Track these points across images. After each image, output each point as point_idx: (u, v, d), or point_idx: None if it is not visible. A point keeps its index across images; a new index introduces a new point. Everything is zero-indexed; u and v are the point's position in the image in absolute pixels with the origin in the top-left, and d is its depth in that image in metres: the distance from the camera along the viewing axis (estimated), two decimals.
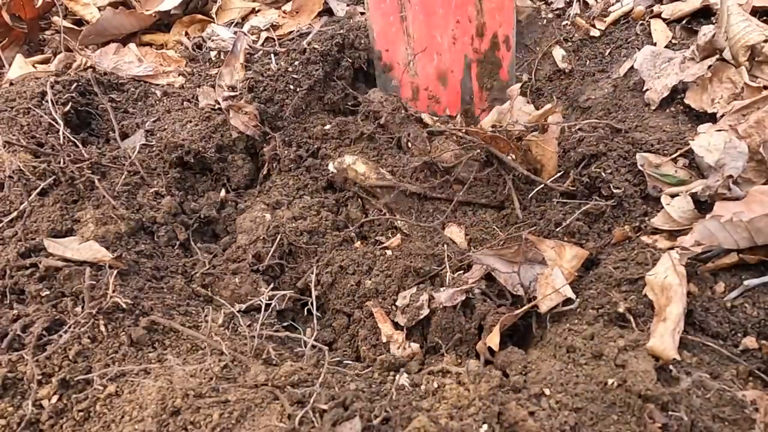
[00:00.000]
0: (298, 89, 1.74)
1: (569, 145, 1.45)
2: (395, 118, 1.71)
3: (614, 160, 1.34)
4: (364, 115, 1.72)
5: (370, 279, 1.33)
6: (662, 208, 1.21)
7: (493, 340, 1.08)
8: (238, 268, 1.38)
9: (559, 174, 1.43)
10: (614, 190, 1.27)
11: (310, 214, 1.51)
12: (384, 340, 1.20)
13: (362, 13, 2.10)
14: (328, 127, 1.69)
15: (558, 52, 1.86)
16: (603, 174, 1.31)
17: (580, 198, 1.36)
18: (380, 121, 1.68)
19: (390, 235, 1.47)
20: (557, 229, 1.32)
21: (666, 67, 1.48)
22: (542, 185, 1.42)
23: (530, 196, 1.44)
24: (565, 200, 1.38)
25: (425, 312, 1.19)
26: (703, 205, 1.16)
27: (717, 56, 1.39)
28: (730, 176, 1.14)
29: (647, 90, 1.48)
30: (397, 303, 1.25)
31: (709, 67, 1.38)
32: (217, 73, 1.88)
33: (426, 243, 1.41)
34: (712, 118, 1.36)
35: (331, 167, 1.62)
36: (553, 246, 1.21)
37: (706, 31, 1.42)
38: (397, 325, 1.22)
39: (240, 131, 1.67)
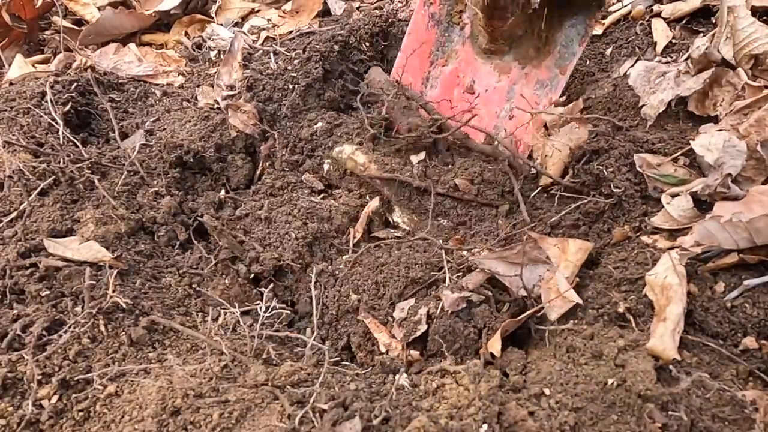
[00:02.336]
0: (296, 87, 1.73)
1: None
2: (397, 104, 1.61)
3: (615, 158, 1.33)
4: (364, 98, 1.64)
5: (366, 285, 1.30)
6: (662, 207, 1.21)
7: (495, 345, 1.07)
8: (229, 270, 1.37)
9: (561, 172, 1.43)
10: (614, 189, 1.27)
11: (308, 213, 1.50)
12: (383, 349, 1.19)
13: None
14: (320, 125, 1.66)
15: None
16: (605, 172, 1.31)
17: (580, 196, 1.35)
18: (381, 108, 1.60)
19: (389, 236, 1.46)
20: (557, 230, 1.32)
21: (661, 81, 1.47)
22: (542, 185, 1.42)
23: (533, 195, 1.43)
24: (564, 200, 1.37)
25: (422, 328, 1.15)
26: (703, 205, 1.16)
27: (712, 69, 1.39)
28: (729, 175, 1.14)
29: (643, 106, 1.47)
30: (394, 315, 1.22)
31: (705, 81, 1.38)
32: (215, 73, 1.88)
33: (425, 245, 1.37)
34: (715, 120, 1.36)
35: (326, 166, 1.61)
36: (556, 243, 1.20)
37: (699, 44, 1.42)
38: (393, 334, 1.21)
39: (239, 130, 1.67)
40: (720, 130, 1.27)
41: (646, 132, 1.40)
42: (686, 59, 1.52)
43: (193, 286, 1.34)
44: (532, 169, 1.44)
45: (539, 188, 1.44)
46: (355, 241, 1.46)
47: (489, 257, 1.20)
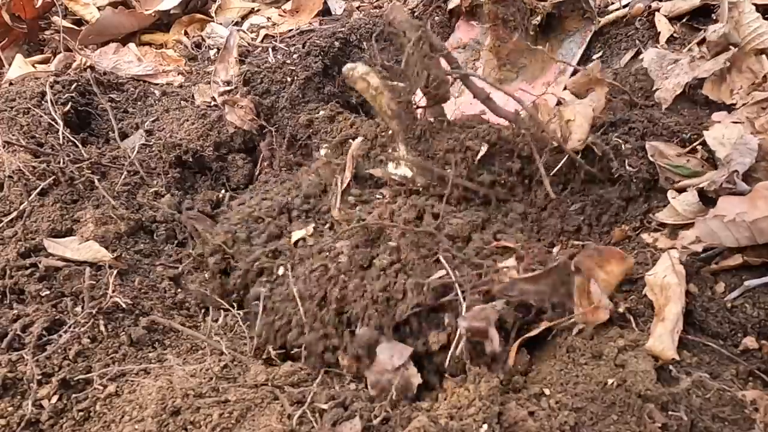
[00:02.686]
0: (295, 79, 1.72)
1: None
2: (418, 52, 1.28)
3: (635, 137, 1.28)
4: (384, 37, 1.58)
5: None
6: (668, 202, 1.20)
7: (510, 362, 1.02)
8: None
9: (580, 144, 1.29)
10: (628, 168, 1.22)
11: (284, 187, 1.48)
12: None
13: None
14: (322, 113, 1.64)
15: None
16: (623, 147, 1.24)
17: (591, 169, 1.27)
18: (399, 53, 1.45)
19: (386, 176, 1.33)
20: (562, 235, 1.30)
21: (673, 68, 1.45)
22: (559, 166, 1.28)
23: (552, 172, 1.29)
24: (567, 200, 1.35)
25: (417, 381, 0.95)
26: (710, 200, 1.15)
27: (732, 51, 1.35)
28: (735, 171, 1.12)
29: (657, 90, 1.44)
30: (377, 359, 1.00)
31: (725, 62, 1.33)
32: (212, 70, 1.88)
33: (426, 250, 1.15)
34: (730, 108, 1.32)
35: (322, 152, 1.57)
36: (591, 254, 1.06)
37: (716, 28, 1.38)
38: None
39: (236, 126, 1.67)
40: (735, 121, 1.24)
41: (662, 113, 1.36)
42: (700, 42, 1.48)
43: (179, 280, 1.33)
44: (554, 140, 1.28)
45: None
46: (343, 188, 1.35)
47: (517, 281, 1.05)
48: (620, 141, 1.27)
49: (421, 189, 1.33)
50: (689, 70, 1.40)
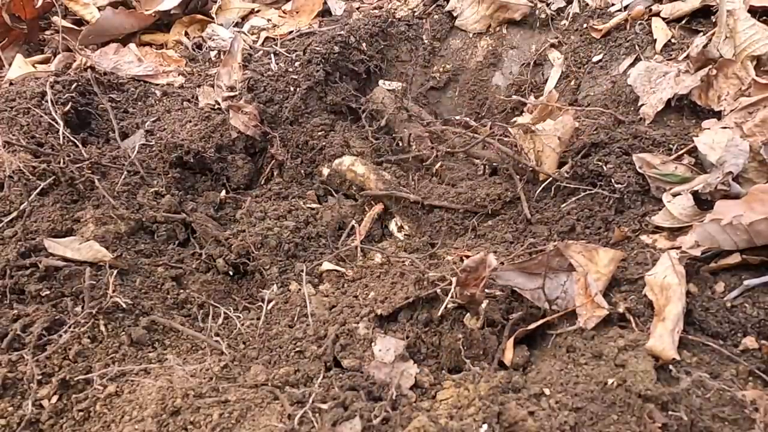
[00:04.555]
0: (297, 89, 1.74)
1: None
2: (397, 117, 1.69)
3: (616, 155, 1.32)
4: (367, 114, 1.71)
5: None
6: (663, 206, 1.21)
7: (507, 355, 1.05)
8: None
9: (560, 167, 1.41)
10: (616, 185, 1.26)
11: (302, 218, 1.51)
12: None
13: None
14: (321, 133, 1.70)
15: (555, 53, 1.86)
16: (604, 168, 1.30)
17: (583, 186, 1.33)
18: (381, 122, 1.68)
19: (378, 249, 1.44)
20: (559, 229, 1.31)
21: (661, 81, 1.48)
22: (543, 184, 1.41)
23: (536, 194, 1.42)
24: (564, 198, 1.37)
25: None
26: (704, 203, 1.16)
27: (709, 67, 1.39)
28: (730, 173, 1.14)
29: (642, 105, 1.48)
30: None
31: (702, 78, 1.38)
32: (215, 73, 1.88)
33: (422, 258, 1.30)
34: (718, 115, 1.36)
35: (324, 172, 1.62)
36: (581, 251, 1.10)
37: (698, 42, 1.43)
38: None
39: (240, 131, 1.67)
40: (724, 127, 1.26)
41: (648, 127, 1.40)
42: (685, 57, 1.52)
43: (180, 280, 1.33)
44: (531, 168, 1.43)
45: (540, 188, 1.43)
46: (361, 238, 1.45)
47: (506, 269, 1.09)
48: (601, 163, 1.31)
49: (419, 247, 1.46)
50: (674, 85, 1.43)
